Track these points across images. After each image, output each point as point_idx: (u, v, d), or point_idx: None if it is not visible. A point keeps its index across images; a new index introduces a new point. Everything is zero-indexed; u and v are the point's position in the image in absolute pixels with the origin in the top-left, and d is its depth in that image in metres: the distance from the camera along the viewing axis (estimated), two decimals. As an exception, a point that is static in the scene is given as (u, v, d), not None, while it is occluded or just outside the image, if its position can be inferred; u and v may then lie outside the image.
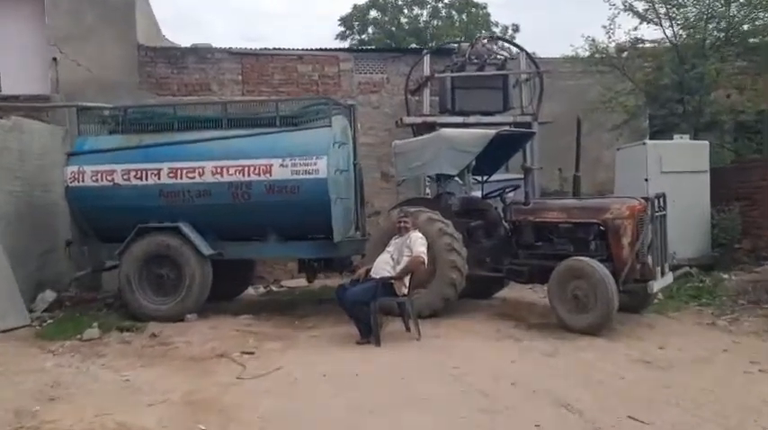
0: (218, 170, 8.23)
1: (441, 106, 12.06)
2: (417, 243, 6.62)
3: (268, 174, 8.12)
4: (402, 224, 6.86)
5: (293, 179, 8.06)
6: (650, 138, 12.95)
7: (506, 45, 12.55)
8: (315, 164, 8.02)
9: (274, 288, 11.41)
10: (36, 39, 10.76)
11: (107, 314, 8.64)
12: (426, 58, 11.80)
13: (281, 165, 8.10)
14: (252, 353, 6.47)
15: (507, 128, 8.05)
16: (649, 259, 7.01)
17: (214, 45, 12.13)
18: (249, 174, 8.16)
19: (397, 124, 11.84)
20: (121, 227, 8.46)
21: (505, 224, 8.18)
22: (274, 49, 12.26)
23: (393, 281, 6.54)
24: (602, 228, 7.14)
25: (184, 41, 13.62)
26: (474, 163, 7.68)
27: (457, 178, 8.01)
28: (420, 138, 8.29)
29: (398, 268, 6.61)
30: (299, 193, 8.06)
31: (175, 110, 8.72)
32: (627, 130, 12.70)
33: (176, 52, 11.77)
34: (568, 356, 5.89)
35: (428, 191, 11.64)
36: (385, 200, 12.81)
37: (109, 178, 8.46)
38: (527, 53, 12.04)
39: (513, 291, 9.20)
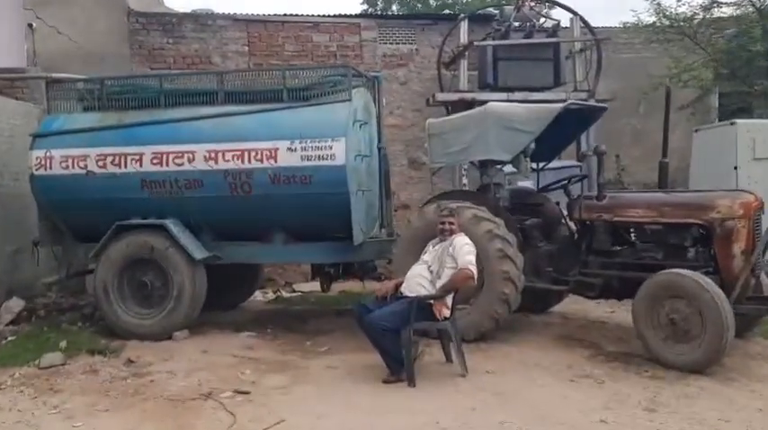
0: (213, 155, 6.79)
1: (480, 81, 10.49)
2: (463, 251, 5.10)
3: (273, 161, 6.65)
4: (445, 225, 5.33)
5: (304, 166, 6.58)
6: (719, 120, 11.27)
7: (556, 9, 10.83)
8: (330, 147, 6.53)
9: (285, 293, 9.98)
10: (8, 1, 9.37)
11: (81, 329, 7.29)
12: (463, 25, 10.21)
13: (289, 149, 6.62)
14: (247, 393, 5.03)
15: (576, 100, 6.43)
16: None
17: (217, 11, 10.66)
18: (250, 161, 6.70)
19: (429, 102, 10.29)
20: (96, 224, 7.09)
21: (570, 224, 6.61)
22: (286, 15, 10.76)
23: (432, 301, 5.03)
24: (704, 230, 5.54)
25: (185, 7, 12.11)
26: (533, 146, 6.11)
27: (510, 165, 6.45)
28: (461, 114, 6.74)
29: (439, 284, 5.11)
30: (312, 184, 6.58)
31: (162, 82, 7.27)
32: (699, 110, 11.00)
33: (172, 18, 10.33)
34: (677, 411, 4.34)
35: (464, 181, 10.12)
36: (413, 191, 11.32)
37: (81, 164, 7.07)
38: (582, 18, 10.36)
39: (573, 303, 7.63)
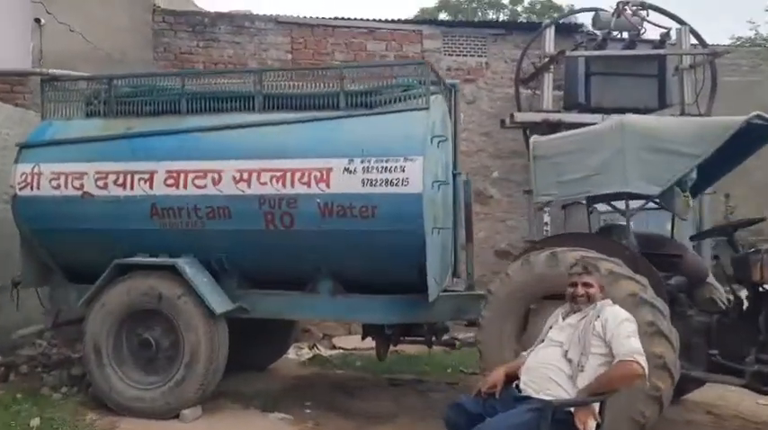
0: (245, 176, 5.22)
1: (567, 100, 8.86)
2: (623, 330, 3.36)
3: (324, 185, 5.04)
4: (578, 288, 3.61)
5: (366, 193, 4.96)
6: None
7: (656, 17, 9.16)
8: (403, 169, 4.90)
9: (323, 350, 8.27)
10: (13, -8, 8.10)
11: (66, 397, 5.69)
12: (549, 32, 8.60)
13: (347, 171, 5.01)
14: None
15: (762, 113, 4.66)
16: None
17: (256, 12, 9.28)
18: (293, 185, 5.11)
19: (504, 124, 8.66)
20: (92, 261, 5.60)
21: (732, 286, 4.83)
22: (336, 18, 9.32)
23: (575, 408, 3.27)
24: None
25: (219, 7, 10.67)
26: (695, 176, 4.38)
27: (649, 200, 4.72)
28: (583, 130, 5.05)
29: (582, 380, 3.35)
30: (376, 218, 4.95)
31: (184, 82, 5.77)
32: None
33: (204, 18, 8.97)
34: None
35: (545, 219, 8.41)
36: (479, 230, 9.59)
37: (76, 184, 5.56)
38: (692, 29, 8.68)
39: (709, 389, 5.76)
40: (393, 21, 9.33)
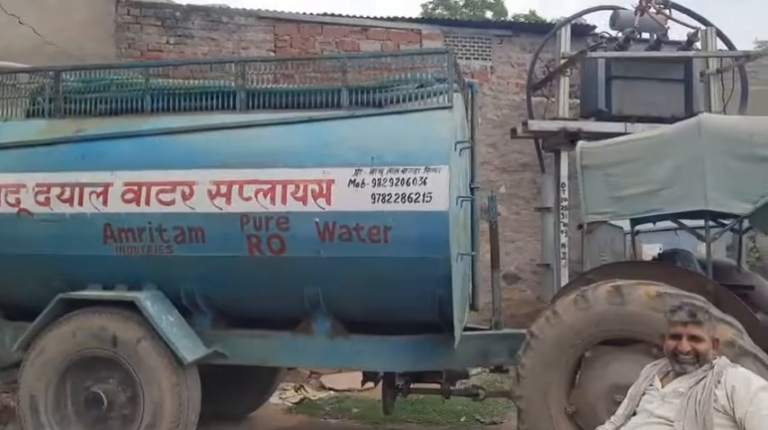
0: (223, 189, 4.23)
1: (585, 107, 8.05)
2: (762, 403, 2.42)
3: (324, 200, 4.07)
4: (682, 342, 2.67)
5: (377, 211, 4.00)
6: None
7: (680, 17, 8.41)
8: (424, 181, 3.96)
9: (311, 392, 7.21)
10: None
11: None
12: (564, 32, 7.79)
13: (353, 183, 4.05)
14: None
15: None
16: None
17: (234, 6, 8.31)
18: (285, 200, 4.13)
19: (515, 134, 7.79)
20: (29, 294, 4.56)
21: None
22: (325, 14, 8.41)
23: None
24: None
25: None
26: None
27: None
28: (646, 135, 4.16)
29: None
30: (390, 242, 3.99)
31: (149, 76, 4.77)
32: None
33: (175, 12, 7.97)
34: None
35: (563, 240, 7.57)
36: (485, 252, 8.68)
37: (11, 199, 4.51)
38: (719, 32, 7.95)
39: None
40: (389, 18, 8.44)
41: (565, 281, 7.61)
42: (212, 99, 4.62)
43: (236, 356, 4.54)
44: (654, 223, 4.84)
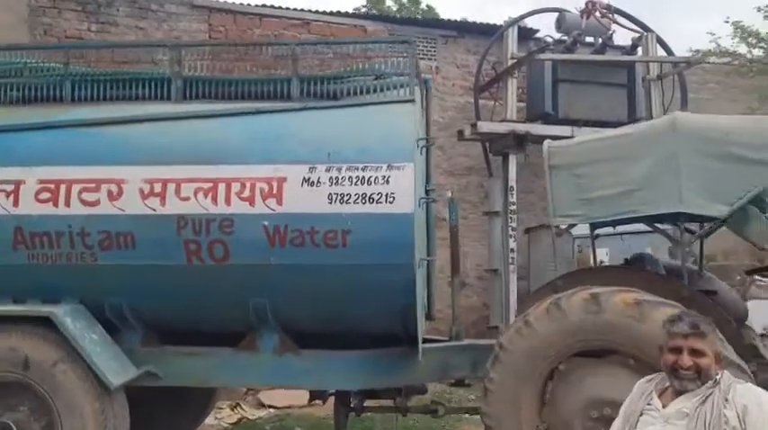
0: (157, 188, 3.74)
1: (531, 110, 7.95)
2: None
3: (274, 201, 3.66)
4: (682, 357, 2.43)
5: (334, 214, 3.62)
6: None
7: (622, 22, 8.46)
8: (387, 179, 3.61)
9: (249, 410, 6.71)
10: None
11: None
12: (511, 33, 7.67)
13: (307, 182, 3.65)
14: None
15: None
16: None
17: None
18: (229, 200, 3.69)
19: (462, 136, 7.58)
20: None
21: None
22: (264, 6, 7.95)
23: None
24: None
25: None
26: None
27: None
28: (617, 132, 3.98)
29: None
30: (348, 247, 3.61)
31: (68, 59, 4.21)
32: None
33: (97, -4, 7.30)
34: None
35: (512, 244, 7.41)
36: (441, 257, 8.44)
37: None
38: (659, 38, 8.05)
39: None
40: (332, 13, 8.07)
41: (513, 286, 7.47)
42: (144, 87, 4.13)
43: (171, 377, 4.03)
44: (613, 227, 4.68)
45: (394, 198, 3.58)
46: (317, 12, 7.96)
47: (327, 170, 3.64)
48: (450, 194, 4.67)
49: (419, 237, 3.90)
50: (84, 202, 3.72)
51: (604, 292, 3.41)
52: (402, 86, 3.98)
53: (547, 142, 4.08)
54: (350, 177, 3.62)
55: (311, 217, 3.62)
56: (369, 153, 3.67)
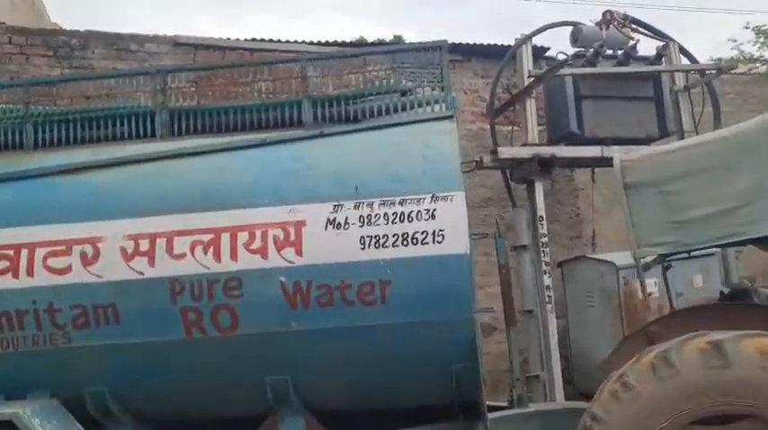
0: (143, 246, 3.01)
1: (554, 131, 7.28)
2: None
3: (292, 250, 2.92)
4: None
5: (369, 261, 2.88)
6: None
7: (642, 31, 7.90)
8: (432, 213, 2.89)
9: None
10: None
11: None
12: (526, 50, 7.07)
13: (332, 224, 2.93)
14: None
15: None
16: None
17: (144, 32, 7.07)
18: (235, 254, 2.95)
19: (481, 164, 6.88)
20: None
21: None
22: (255, 40, 7.35)
23: None
24: None
25: (91, 25, 8.00)
26: None
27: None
28: (708, 138, 3.28)
29: None
30: (389, 303, 2.87)
31: (29, 98, 3.52)
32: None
33: (70, 39, 6.62)
34: None
35: (547, 281, 6.68)
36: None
37: None
38: (682, 47, 7.47)
39: None
40: (328, 43, 7.46)
41: (553, 328, 6.66)
42: (122, 124, 3.43)
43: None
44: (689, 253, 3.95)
45: (443, 236, 2.86)
46: (311, 43, 7.36)
47: (356, 207, 2.92)
48: (497, 227, 3.93)
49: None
50: (50, 270, 2.98)
51: (728, 339, 2.66)
52: (437, 102, 3.30)
53: (618, 156, 3.38)
54: (385, 214, 2.90)
55: (340, 267, 2.88)
56: (406, 182, 2.96)
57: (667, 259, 3.84)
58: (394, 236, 2.87)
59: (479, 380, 2.97)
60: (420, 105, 3.30)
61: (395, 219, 2.88)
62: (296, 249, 2.90)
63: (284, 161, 3.15)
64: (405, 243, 2.86)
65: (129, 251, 2.98)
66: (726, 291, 3.57)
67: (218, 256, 2.94)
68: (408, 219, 2.88)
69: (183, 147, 3.29)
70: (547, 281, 6.67)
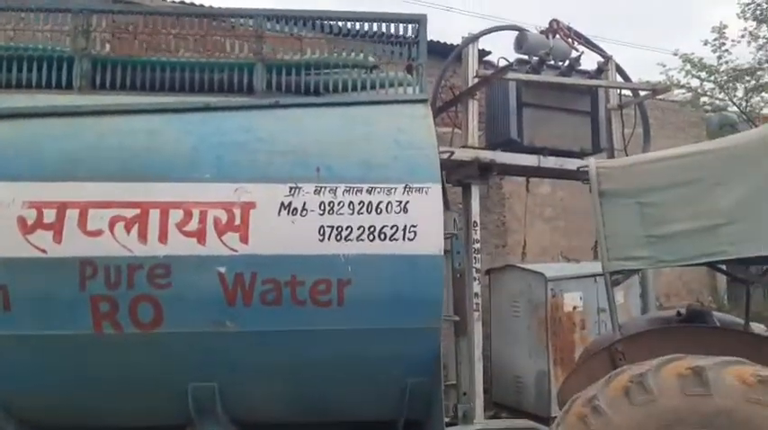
0: (49, 217, 2.43)
1: (493, 136, 7.10)
2: None
3: (236, 236, 2.45)
4: None
5: (328, 256, 2.47)
6: None
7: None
8: (405, 206, 2.52)
9: None
10: None
11: None
12: (472, 50, 6.86)
13: (286, 208, 2.49)
14: None
15: None
16: None
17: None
18: (163, 235, 2.44)
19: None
20: None
21: None
22: (183, 3, 6.69)
23: None
24: None
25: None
26: None
27: None
28: (693, 149, 3.09)
29: None
30: (346, 305, 2.47)
31: None
32: None
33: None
34: None
35: (476, 288, 6.46)
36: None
37: None
38: (618, 66, 7.56)
39: None
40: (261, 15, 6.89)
41: (478, 338, 6.48)
42: (31, 70, 2.82)
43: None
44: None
45: (415, 233, 2.50)
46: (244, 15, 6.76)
47: (317, 192, 2.51)
48: (453, 228, 3.61)
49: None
50: (-77, 238, 2.35)
51: (710, 366, 2.47)
52: (410, 84, 2.95)
53: (593, 160, 3.17)
54: (350, 203, 2.50)
55: (293, 260, 2.46)
56: (376, 169, 2.57)
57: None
58: (359, 228, 2.48)
59: (439, 397, 2.64)
60: (391, 85, 2.93)
61: (361, 209, 2.50)
62: (241, 235, 2.45)
63: (230, 131, 2.68)
64: (371, 237, 2.48)
65: (30, 222, 2.41)
66: (682, 311, 3.44)
67: (143, 237, 2.43)
68: (377, 210, 2.50)
69: (107, 103, 2.74)
70: (476, 288, 6.47)
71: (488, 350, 7.22)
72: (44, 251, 2.39)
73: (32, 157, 2.52)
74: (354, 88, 2.92)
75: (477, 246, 6.53)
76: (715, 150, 2.91)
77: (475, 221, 6.53)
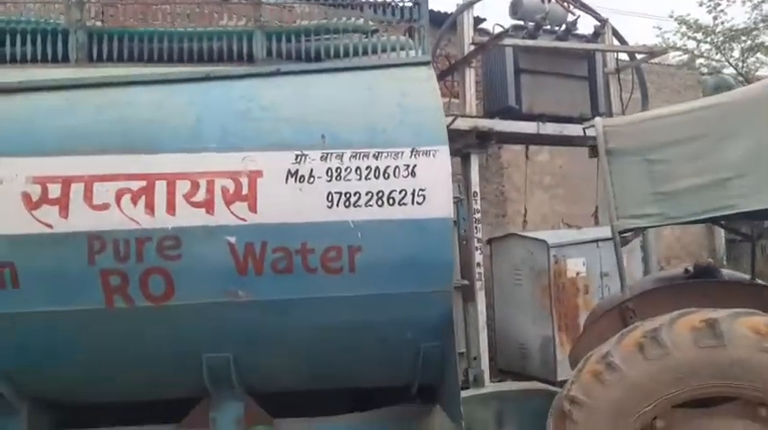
0: (54, 191, 2.41)
1: (491, 104, 7.09)
2: None
3: (244, 206, 2.44)
4: None
5: (336, 222, 2.46)
6: None
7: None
8: (413, 169, 2.51)
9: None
10: None
11: None
12: (467, 17, 6.79)
13: (293, 176, 2.47)
14: None
15: None
16: None
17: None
18: (172, 207, 2.42)
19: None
20: None
21: None
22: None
23: None
24: None
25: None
26: None
27: None
28: (699, 104, 3.07)
29: None
30: (358, 272, 2.46)
31: None
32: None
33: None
34: None
35: (478, 257, 6.50)
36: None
37: None
38: (615, 30, 7.49)
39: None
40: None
41: (482, 305, 6.51)
42: (25, 43, 2.77)
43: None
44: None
45: (424, 197, 2.49)
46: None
47: (323, 158, 2.48)
48: (458, 193, 3.61)
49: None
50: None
51: (723, 318, 2.49)
52: (411, 47, 2.91)
53: (599, 119, 3.14)
54: (357, 168, 2.48)
55: (302, 228, 2.44)
56: (382, 133, 2.55)
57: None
58: (367, 194, 2.46)
59: (453, 360, 2.65)
60: (393, 49, 2.90)
61: (368, 174, 2.48)
62: (249, 204, 2.43)
63: (233, 100, 2.64)
64: (379, 203, 2.46)
65: (35, 198, 2.39)
66: (689, 268, 3.45)
67: (150, 209, 2.41)
68: (384, 175, 2.48)
69: (105, 75, 2.70)
70: (478, 257, 6.49)
71: (492, 319, 7.28)
72: (51, 226, 2.37)
73: (34, 131, 2.48)
74: (356, 53, 2.89)
75: (477, 215, 6.54)
76: (721, 104, 2.90)
77: (475, 191, 6.53)
